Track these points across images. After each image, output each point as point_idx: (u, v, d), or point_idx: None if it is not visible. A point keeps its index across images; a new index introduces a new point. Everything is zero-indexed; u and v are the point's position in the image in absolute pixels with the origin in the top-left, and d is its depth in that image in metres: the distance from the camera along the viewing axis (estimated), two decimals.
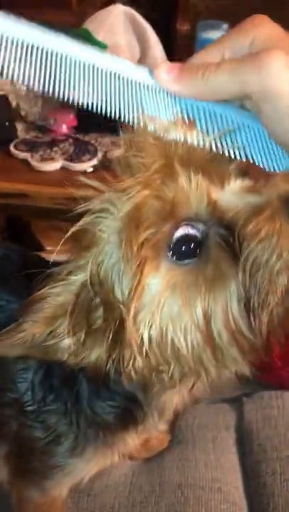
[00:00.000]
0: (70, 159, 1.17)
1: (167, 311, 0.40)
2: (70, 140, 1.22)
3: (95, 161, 1.17)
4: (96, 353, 0.43)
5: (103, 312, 0.42)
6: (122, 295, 0.41)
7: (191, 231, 0.40)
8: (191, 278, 0.40)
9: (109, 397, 0.55)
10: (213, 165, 0.42)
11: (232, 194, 0.41)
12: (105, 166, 1.17)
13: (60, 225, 0.45)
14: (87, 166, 1.16)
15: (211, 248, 0.40)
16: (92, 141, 1.21)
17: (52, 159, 1.17)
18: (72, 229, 0.41)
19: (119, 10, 1.23)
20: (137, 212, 0.39)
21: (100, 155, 1.18)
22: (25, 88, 1.28)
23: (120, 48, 1.23)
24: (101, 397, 0.55)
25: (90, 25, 1.23)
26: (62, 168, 1.17)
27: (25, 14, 0.41)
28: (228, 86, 0.41)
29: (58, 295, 0.42)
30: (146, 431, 0.62)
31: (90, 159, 1.17)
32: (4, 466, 0.67)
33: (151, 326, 0.40)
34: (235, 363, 0.44)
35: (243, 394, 0.88)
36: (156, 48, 1.27)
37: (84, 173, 1.16)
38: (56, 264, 0.45)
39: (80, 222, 0.41)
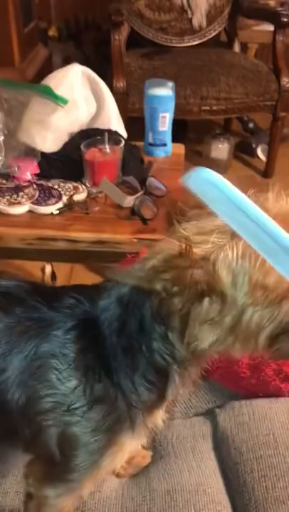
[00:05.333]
0: (37, 203, 1.25)
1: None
2: (34, 186, 1.30)
3: (60, 204, 1.25)
4: (180, 302, 0.55)
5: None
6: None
7: None
8: None
9: (145, 372, 0.63)
10: None
11: None
12: (71, 208, 1.26)
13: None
14: (53, 208, 1.25)
15: None
16: (56, 186, 1.31)
17: (19, 203, 1.25)
18: None
19: (76, 69, 1.36)
20: None
21: (65, 198, 1.27)
22: None
23: (78, 103, 1.35)
24: (139, 370, 0.63)
25: (50, 81, 1.34)
26: (30, 211, 1.25)
27: None
28: None
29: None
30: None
31: (55, 202, 1.25)
32: (29, 475, 0.72)
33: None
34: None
35: (216, 406, 0.98)
36: (110, 102, 1.40)
37: (51, 215, 1.25)
38: None
39: None
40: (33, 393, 0.65)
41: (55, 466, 0.69)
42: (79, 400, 0.64)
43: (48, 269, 1.83)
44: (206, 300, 0.55)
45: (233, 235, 0.54)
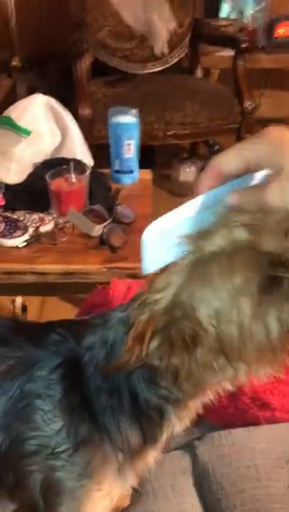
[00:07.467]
0: (2, 236, 1.22)
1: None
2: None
3: (26, 236, 1.23)
4: (175, 359, 0.52)
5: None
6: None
7: None
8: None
9: (132, 414, 0.61)
10: None
11: None
12: (38, 239, 1.24)
13: None
14: (20, 241, 1.22)
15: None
16: (21, 218, 1.28)
17: None
18: None
19: (39, 99, 1.35)
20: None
21: (31, 230, 1.24)
22: None
23: (42, 133, 1.34)
24: (124, 412, 0.60)
25: (13, 112, 1.33)
26: None
27: None
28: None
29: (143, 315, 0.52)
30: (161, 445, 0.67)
31: (21, 235, 1.23)
32: None
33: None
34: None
35: (194, 438, 0.95)
36: (74, 131, 1.39)
37: (17, 248, 1.21)
38: None
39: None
40: (17, 435, 0.63)
41: None
42: (64, 443, 0.61)
43: (19, 301, 1.79)
44: (198, 350, 0.53)
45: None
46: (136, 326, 0.52)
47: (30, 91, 3.44)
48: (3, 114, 1.35)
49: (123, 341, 0.56)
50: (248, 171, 0.51)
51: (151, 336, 0.51)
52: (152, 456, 0.67)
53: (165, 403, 0.60)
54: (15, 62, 3.22)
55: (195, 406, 0.63)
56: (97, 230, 1.24)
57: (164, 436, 0.64)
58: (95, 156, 1.51)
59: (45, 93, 1.42)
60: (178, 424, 0.63)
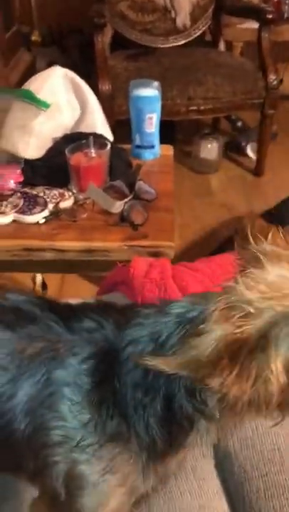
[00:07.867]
0: (22, 212, 1.20)
1: None
2: (18, 194, 1.25)
3: (46, 213, 1.20)
4: (236, 390, 0.49)
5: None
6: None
7: None
8: None
9: (163, 419, 0.57)
10: None
11: None
12: (58, 216, 1.21)
13: None
14: (39, 217, 1.19)
15: None
16: (41, 194, 1.25)
17: (3, 213, 1.20)
18: None
19: (58, 71, 1.31)
20: None
21: (50, 206, 1.22)
22: None
23: (61, 107, 1.30)
24: (155, 416, 0.57)
25: (32, 85, 1.29)
26: (14, 221, 1.20)
27: None
28: None
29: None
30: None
31: (41, 211, 1.20)
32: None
33: None
34: None
35: None
36: (94, 105, 1.35)
37: (37, 224, 1.19)
38: None
39: None
40: (42, 423, 0.60)
41: (60, 506, 0.64)
42: (90, 436, 0.58)
43: (39, 278, 1.78)
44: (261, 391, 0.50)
45: None
46: (231, 338, 0.48)
47: (50, 66, 3.40)
48: (23, 87, 1.31)
49: (180, 342, 0.52)
50: None
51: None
52: (176, 460, 0.64)
53: (199, 416, 0.56)
54: (34, 37, 3.17)
55: (228, 426, 0.60)
56: (118, 206, 1.21)
57: (191, 445, 0.61)
58: (115, 133, 1.47)
59: (66, 68, 1.38)
60: (207, 436, 0.60)
